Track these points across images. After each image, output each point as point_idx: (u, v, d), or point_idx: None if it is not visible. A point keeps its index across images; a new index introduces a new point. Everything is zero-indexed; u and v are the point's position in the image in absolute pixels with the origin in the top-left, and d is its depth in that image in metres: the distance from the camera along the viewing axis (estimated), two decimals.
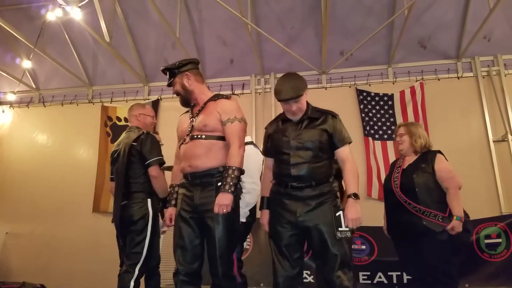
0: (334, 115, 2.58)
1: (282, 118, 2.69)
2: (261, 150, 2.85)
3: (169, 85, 2.79)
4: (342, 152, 2.51)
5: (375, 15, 5.55)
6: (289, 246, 2.46)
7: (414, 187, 3.02)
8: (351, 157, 2.51)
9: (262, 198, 2.71)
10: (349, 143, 2.55)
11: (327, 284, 2.37)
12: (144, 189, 3.18)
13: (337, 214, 2.37)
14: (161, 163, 3.21)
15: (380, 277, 4.44)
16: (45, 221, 6.18)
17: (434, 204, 2.97)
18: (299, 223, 2.41)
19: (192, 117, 2.67)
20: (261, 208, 2.70)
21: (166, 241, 4.73)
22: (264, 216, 2.65)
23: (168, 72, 2.76)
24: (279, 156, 2.56)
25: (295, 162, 2.46)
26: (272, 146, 2.64)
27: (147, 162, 3.17)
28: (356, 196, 2.38)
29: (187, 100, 2.74)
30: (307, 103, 2.62)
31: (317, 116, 2.57)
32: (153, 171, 3.16)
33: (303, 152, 2.47)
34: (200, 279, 2.57)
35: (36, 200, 6.27)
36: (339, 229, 2.34)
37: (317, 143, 2.47)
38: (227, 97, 2.68)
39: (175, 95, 2.83)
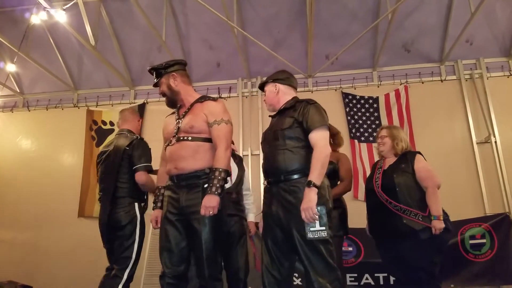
0: (309, 102, 2.46)
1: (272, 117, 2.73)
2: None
3: (155, 85, 2.77)
4: (312, 137, 2.33)
5: (359, 20, 5.62)
6: (276, 245, 2.41)
7: (395, 186, 3.05)
8: (322, 142, 2.31)
9: None
10: (325, 126, 2.36)
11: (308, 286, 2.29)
12: (131, 193, 3.16)
13: None
14: (149, 170, 3.20)
15: (367, 279, 4.47)
16: (29, 227, 6.09)
17: (414, 203, 3.00)
18: (276, 221, 2.38)
19: (178, 119, 2.65)
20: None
21: (152, 244, 4.70)
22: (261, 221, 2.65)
23: (154, 72, 2.75)
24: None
25: (266, 155, 2.47)
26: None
27: (134, 167, 3.15)
28: (310, 184, 2.18)
29: (173, 101, 2.72)
30: (294, 98, 2.63)
31: (291, 106, 2.53)
32: (139, 176, 3.13)
33: (272, 142, 2.46)
34: (187, 281, 2.55)
35: (20, 206, 6.18)
36: (311, 229, 2.17)
37: (284, 131, 2.41)
38: (214, 99, 2.67)
39: (161, 98, 2.83)
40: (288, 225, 2.30)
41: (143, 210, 3.24)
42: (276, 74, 2.72)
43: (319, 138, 2.32)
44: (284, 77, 2.68)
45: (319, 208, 2.18)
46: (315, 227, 2.17)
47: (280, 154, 2.39)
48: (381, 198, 3.09)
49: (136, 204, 3.17)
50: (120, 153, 3.19)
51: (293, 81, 2.70)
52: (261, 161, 2.67)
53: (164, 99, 2.77)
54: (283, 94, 2.63)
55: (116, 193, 3.15)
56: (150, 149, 3.33)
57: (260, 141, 2.74)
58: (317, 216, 2.15)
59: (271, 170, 2.43)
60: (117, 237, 3.12)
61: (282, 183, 2.36)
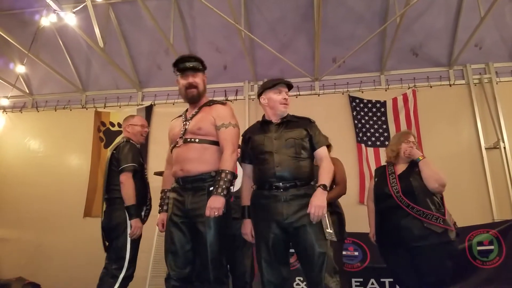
0: (311, 120, 2.69)
1: (261, 122, 2.72)
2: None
3: (191, 69, 2.69)
4: (321, 152, 2.58)
5: (366, 23, 5.61)
6: (276, 249, 2.42)
7: (413, 190, 3.04)
8: (328, 158, 2.58)
9: (243, 207, 2.65)
10: (327, 145, 2.66)
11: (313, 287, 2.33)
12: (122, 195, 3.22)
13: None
14: (134, 169, 3.25)
15: (372, 284, 4.43)
16: (37, 226, 6.14)
17: (433, 207, 2.99)
18: (286, 224, 2.38)
19: (185, 120, 2.67)
20: (242, 218, 2.65)
21: (158, 245, 4.71)
22: (246, 226, 2.60)
23: (193, 63, 2.70)
24: (261, 157, 2.56)
25: (279, 161, 2.47)
26: (253, 148, 2.63)
27: (119, 168, 3.23)
28: (325, 187, 2.40)
29: (199, 97, 2.72)
30: None
31: (296, 120, 2.68)
32: (122, 176, 3.21)
33: (286, 150, 2.50)
34: (192, 284, 2.54)
35: (28, 205, 6.23)
36: (327, 230, 2.33)
37: (299, 141, 2.53)
38: (223, 102, 2.70)
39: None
40: (303, 226, 2.35)
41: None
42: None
43: (326, 153, 2.60)
44: None
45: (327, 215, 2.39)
46: (329, 229, 2.35)
47: (295, 161, 2.49)
48: (401, 203, 3.05)
49: None
50: (109, 158, 3.34)
51: None
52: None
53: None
54: None
55: (111, 194, 3.27)
56: (136, 149, 3.40)
57: (246, 145, 2.71)
58: (325, 216, 2.36)
59: (283, 176, 2.45)
60: (112, 238, 3.23)
61: (294, 188, 2.44)
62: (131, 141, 3.41)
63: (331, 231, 2.34)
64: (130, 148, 3.32)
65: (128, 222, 3.16)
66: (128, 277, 3.12)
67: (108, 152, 3.42)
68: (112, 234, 3.20)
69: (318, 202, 2.33)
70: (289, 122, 2.64)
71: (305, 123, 2.64)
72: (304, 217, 2.36)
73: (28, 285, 5.42)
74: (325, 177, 2.45)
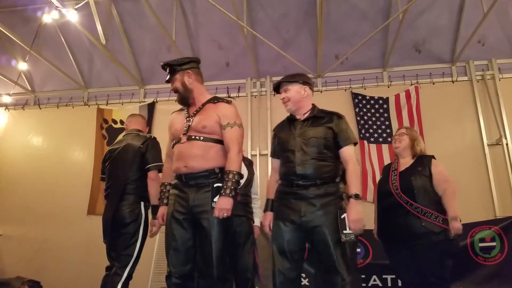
0: (340, 116, 2.59)
1: (289, 118, 2.72)
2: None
3: (168, 81, 2.76)
4: (346, 152, 2.48)
5: (369, 20, 5.59)
6: (290, 245, 2.43)
7: (413, 188, 3.04)
8: (354, 157, 2.48)
9: (267, 200, 2.68)
10: (354, 144, 2.53)
11: (327, 286, 2.34)
12: (138, 192, 3.19)
13: (342, 216, 2.32)
14: (160, 169, 3.20)
15: (374, 280, 4.45)
16: (39, 224, 6.15)
17: (433, 206, 2.99)
18: (303, 222, 2.39)
19: (188, 117, 2.66)
20: (265, 210, 2.67)
21: (160, 242, 4.72)
22: (267, 218, 2.62)
23: (168, 68, 2.73)
24: (285, 154, 2.57)
25: (300, 159, 2.47)
26: (279, 145, 2.66)
27: (148, 166, 3.18)
28: (357, 196, 2.33)
29: (185, 98, 2.71)
30: (313, 105, 2.69)
31: (322, 116, 2.60)
32: (153, 174, 3.17)
33: (308, 149, 2.48)
34: (193, 281, 2.54)
35: (31, 203, 6.23)
36: (344, 232, 2.29)
37: (321, 140, 2.48)
38: (228, 101, 2.69)
39: (171, 98, 2.83)
40: (320, 226, 2.35)
41: (148, 209, 3.27)
42: (304, 77, 2.72)
43: (352, 153, 2.49)
44: (311, 82, 2.74)
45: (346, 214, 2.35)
46: (347, 230, 2.29)
47: (316, 161, 2.45)
48: (400, 200, 3.06)
49: (142, 203, 3.20)
50: (134, 151, 3.22)
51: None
52: (270, 161, 2.68)
53: (174, 97, 2.78)
54: (308, 99, 2.68)
55: (124, 190, 3.18)
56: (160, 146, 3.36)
57: (274, 141, 2.75)
58: (345, 217, 2.31)
59: (304, 175, 2.44)
60: (121, 234, 3.13)
61: (314, 187, 2.43)
62: (156, 138, 3.39)
63: (348, 232, 2.29)
64: (158, 145, 3.32)
65: (143, 220, 3.14)
66: (129, 276, 3.08)
67: (123, 145, 3.31)
68: (122, 230, 3.11)
69: (356, 216, 2.28)
70: (314, 119, 2.60)
71: (331, 119, 2.56)
72: (321, 217, 2.36)
73: (27, 283, 5.44)
74: (355, 184, 2.38)
